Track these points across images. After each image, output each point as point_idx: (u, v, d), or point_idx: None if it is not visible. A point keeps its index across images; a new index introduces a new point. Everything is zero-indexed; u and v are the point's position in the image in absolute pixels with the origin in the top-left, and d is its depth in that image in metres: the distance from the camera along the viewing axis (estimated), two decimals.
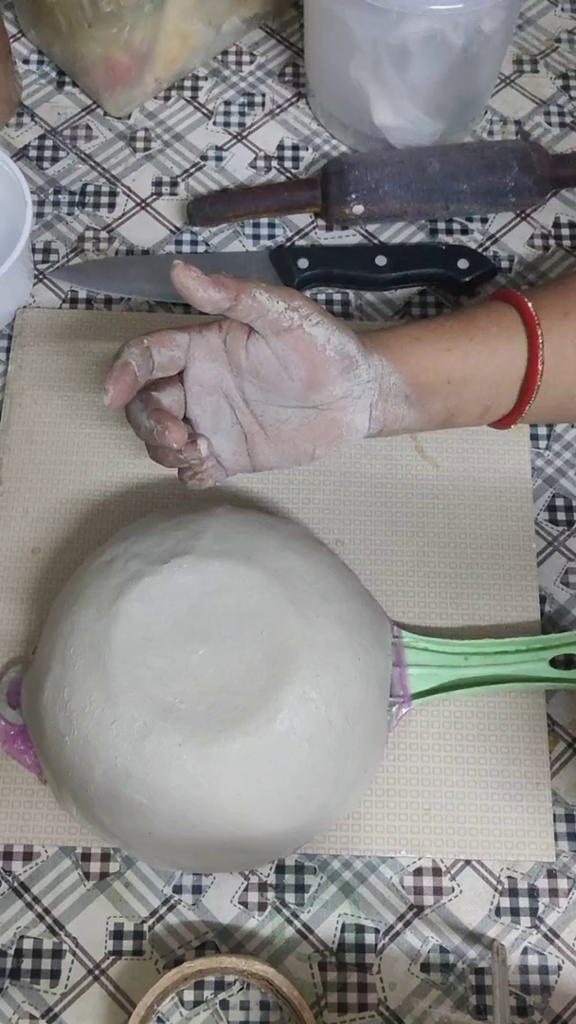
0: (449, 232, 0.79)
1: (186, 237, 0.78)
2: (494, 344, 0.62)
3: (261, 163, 0.81)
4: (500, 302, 0.64)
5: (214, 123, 0.82)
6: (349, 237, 0.79)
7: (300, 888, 0.60)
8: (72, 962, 0.59)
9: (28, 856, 0.61)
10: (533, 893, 0.61)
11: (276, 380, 0.59)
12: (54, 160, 0.81)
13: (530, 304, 0.62)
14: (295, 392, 0.60)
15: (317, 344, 0.58)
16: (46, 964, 0.59)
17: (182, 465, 0.61)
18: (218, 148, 0.82)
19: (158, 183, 0.80)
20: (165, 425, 0.57)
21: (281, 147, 0.82)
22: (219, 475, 0.63)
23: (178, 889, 0.60)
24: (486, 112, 0.83)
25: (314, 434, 0.61)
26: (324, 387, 0.59)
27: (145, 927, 0.60)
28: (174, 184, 0.80)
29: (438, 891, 0.61)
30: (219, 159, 0.81)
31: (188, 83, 0.84)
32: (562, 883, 0.61)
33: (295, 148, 0.82)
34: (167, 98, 0.83)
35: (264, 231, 0.79)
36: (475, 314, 0.63)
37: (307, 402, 0.60)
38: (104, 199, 0.79)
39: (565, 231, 0.79)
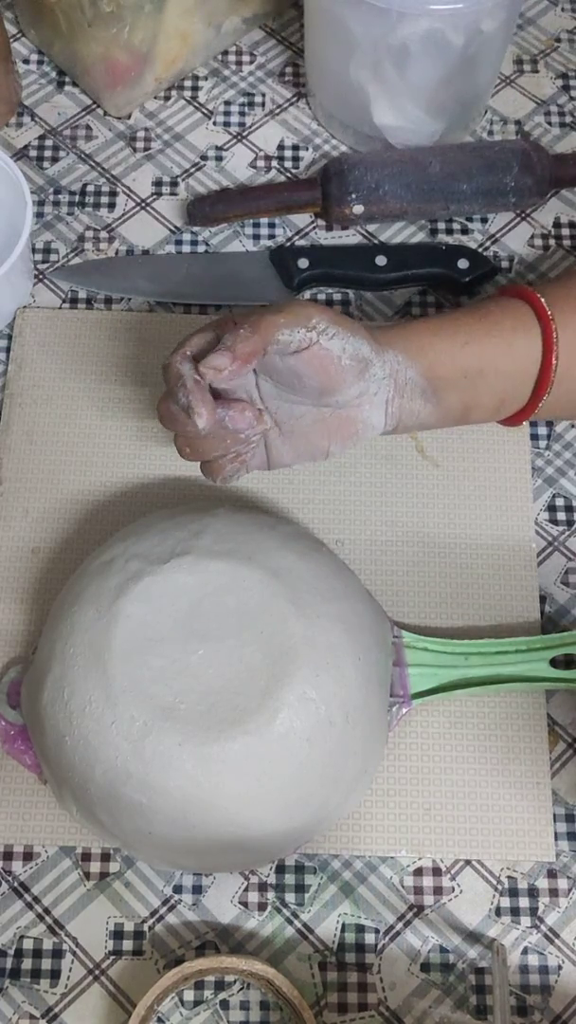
0: (449, 232, 0.79)
1: (186, 237, 0.78)
2: (509, 338, 0.62)
3: (261, 163, 0.81)
4: (511, 297, 0.64)
5: (214, 123, 0.82)
6: (349, 237, 0.79)
7: (300, 888, 0.60)
8: (72, 962, 0.59)
9: (28, 856, 0.61)
10: (533, 893, 0.61)
11: (290, 384, 0.59)
12: (54, 160, 0.81)
13: (542, 299, 0.63)
14: (310, 394, 0.59)
15: (332, 357, 0.58)
16: (46, 964, 0.59)
17: (238, 447, 0.60)
18: (218, 148, 0.82)
19: (158, 183, 0.80)
20: (241, 407, 0.58)
21: (281, 147, 0.82)
22: (243, 471, 0.63)
23: (178, 889, 0.60)
24: (486, 112, 0.83)
25: (329, 431, 0.61)
26: (340, 391, 0.59)
27: (145, 927, 0.60)
28: (174, 184, 0.80)
29: (438, 891, 0.61)
30: (219, 159, 0.81)
31: (188, 83, 0.84)
32: (562, 883, 0.61)
33: (295, 148, 0.82)
34: (167, 98, 0.83)
35: (264, 231, 0.79)
36: (488, 309, 0.64)
37: (322, 402, 0.60)
38: (104, 199, 0.79)
39: (565, 231, 0.79)
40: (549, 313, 0.62)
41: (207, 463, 0.62)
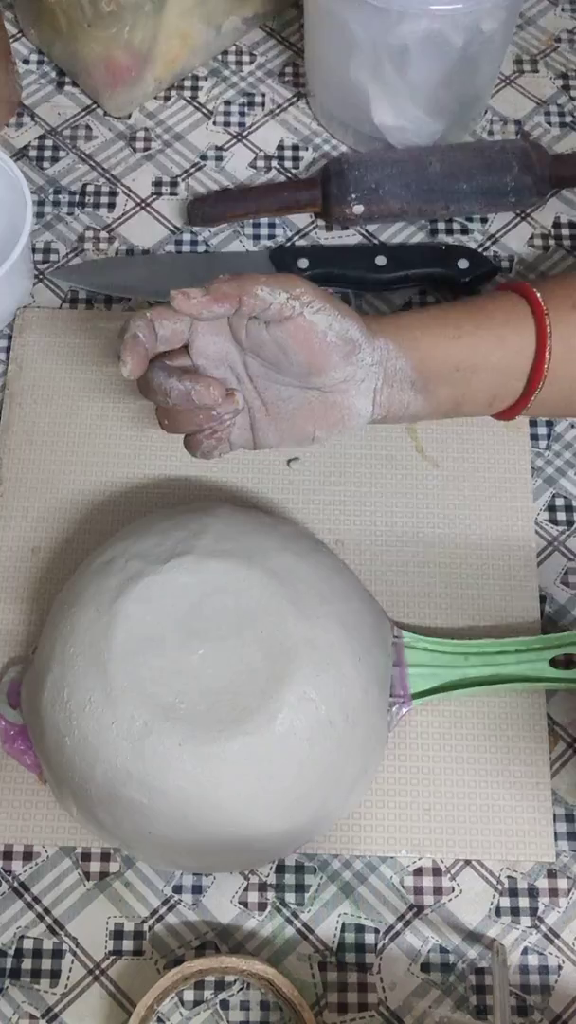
0: (449, 232, 0.79)
1: (186, 237, 0.78)
2: (502, 332, 0.62)
3: (261, 163, 0.81)
4: (509, 292, 0.64)
5: (214, 123, 0.82)
6: (349, 237, 0.79)
7: (300, 888, 0.60)
8: (72, 962, 0.59)
9: (28, 856, 0.61)
10: (533, 893, 0.61)
11: (276, 361, 0.59)
12: (54, 160, 0.81)
13: (539, 294, 0.62)
14: (296, 373, 0.59)
15: (317, 331, 0.58)
16: (46, 964, 0.59)
17: (212, 424, 0.60)
18: (218, 148, 0.82)
19: (158, 183, 0.80)
20: (207, 383, 0.58)
21: (281, 147, 0.82)
22: (224, 448, 0.62)
23: (178, 889, 0.60)
24: (486, 112, 0.83)
25: (314, 415, 0.61)
26: (325, 371, 0.59)
27: (145, 927, 0.60)
28: (174, 184, 0.80)
29: (438, 891, 0.61)
30: (219, 159, 0.81)
31: (188, 83, 0.84)
32: (562, 883, 0.61)
33: (295, 148, 0.82)
34: (167, 98, 0.83)
35: (264, 231, 0.79)
36: (483, 303, 0.64)
37: (308, 383, 0.60)
38: (104, 199, 0.79)
39: (565, 231, 0.79)
40: (544, 308, 0.62)
41: (187, 438, 0.62)
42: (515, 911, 0.60)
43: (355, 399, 0.61)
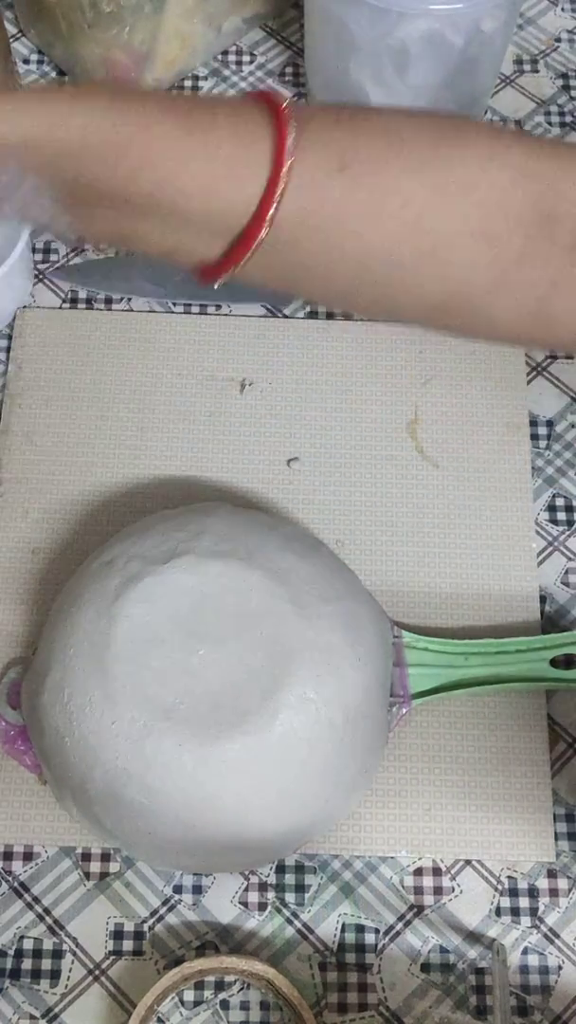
0: None
1: None
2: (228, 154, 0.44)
3: None
4: (257, 106, 0.45)
5: None
6: None
7: (300, 888, 0.60)
8: (72, 962, 0.59)
9: (28, 856, 0.61)
10: (533, 893, 0.61)
11: None
12: None
13: (291, 118, 0.44)
14: None
15: None
16: (46, 964, 0.59)
17: None
18: None
19: None
20: None
21: None
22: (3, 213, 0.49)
23: (178, 889, 0.60)
24: (486, 112, 0.83)
25: None
26: None
27: (145, 927, 0.60)
28: None
29: (438, 891, 0.61)
30: None
31: (188, 83, 0.84)
32: (562, 883, 0.61)
33: None
34: None
35: None
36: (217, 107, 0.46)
37: None
38: None
39: None
40: (289, 135, 0.43)
41: None
42: (515, 911, 0.60)
43: None
